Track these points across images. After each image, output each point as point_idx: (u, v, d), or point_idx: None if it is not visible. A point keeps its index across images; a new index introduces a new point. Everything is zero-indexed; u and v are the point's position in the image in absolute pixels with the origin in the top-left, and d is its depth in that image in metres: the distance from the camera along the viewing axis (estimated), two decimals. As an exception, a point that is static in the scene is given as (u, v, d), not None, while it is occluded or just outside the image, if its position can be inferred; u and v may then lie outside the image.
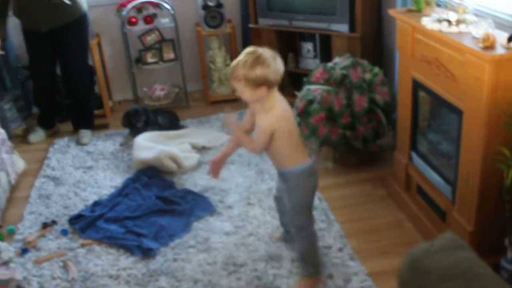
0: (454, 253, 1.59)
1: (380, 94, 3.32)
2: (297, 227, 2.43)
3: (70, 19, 3.92)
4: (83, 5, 4.02)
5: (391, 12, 2.91)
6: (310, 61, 4.32)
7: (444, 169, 2.65)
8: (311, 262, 2.47)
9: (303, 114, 3.40)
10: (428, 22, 2.50)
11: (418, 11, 2.74)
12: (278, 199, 2.64)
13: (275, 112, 2.24)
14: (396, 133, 3.17)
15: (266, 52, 2.20)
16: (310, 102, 3.38)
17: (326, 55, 4.18)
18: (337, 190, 3.26)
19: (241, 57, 2.21)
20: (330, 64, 3.52)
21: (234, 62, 2.22)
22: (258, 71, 2.14)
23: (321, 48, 4.27)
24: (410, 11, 2.81)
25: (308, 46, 4.33)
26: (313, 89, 3.40)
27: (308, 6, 4.10)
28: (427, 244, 1.64)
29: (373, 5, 3.97)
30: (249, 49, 2.23)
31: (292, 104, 3.55)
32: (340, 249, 2.69)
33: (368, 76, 3.37)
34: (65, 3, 3.81)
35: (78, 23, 3.99)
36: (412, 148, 2.92)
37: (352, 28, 3.93)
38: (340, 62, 3.49)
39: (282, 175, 2.42)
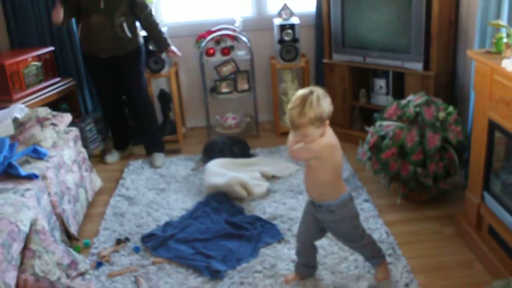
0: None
1: (453, 133, 3.31)
2: (354, 243, 2.63)
3: (127, 50, 4.16)
4: (140, 39, 4.27)
5: (470, 53, 2.92)
6: (382, 97, 4.35)
7: (518, 211, 2.61)
8: (376, 255, 2.69)
9: (374, 149, 3.43)
10: (508, 64, 2.50)
11: (497, 53, 2.74)
12: (309, 230, 2.67)
13: (325, 139, 2.38)
14: (467, 172, 3.14)
15: (317, 89, 2.34)
16: (382, 137, 3.41)
17: (398, 92, 4.21)
18: (405, 226, 3.25)
19: (297, 103, 2.30)
20: (403, 102, 3.54)
21: (293, 111, 2.30)
22: (325, 106, 2.30)
23: (393, 85, 4.29)
24: (489, 52, 2.82)
25: (380, 83, 4.36)
26: (386, 125, 3.43)
27: (383, 43, 4.15)
28: (503, 283, 1.64)
29: (449, 44, 3.97)
30: (297, 96, 2.34)
31: (363, 139, 3.61)
32: (407, 285, 2.67)
33: (442, 114, 3.36)
34: (127, 35, 4.07)
35: (135, 54, 4.22)
36: (485, 188, 2.89)
37: (426, 67, 3.95)
38: (414, 100, 3.50)
39: (325, 208, 2.51)
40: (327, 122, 2.36)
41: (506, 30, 2.70)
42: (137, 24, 4.20)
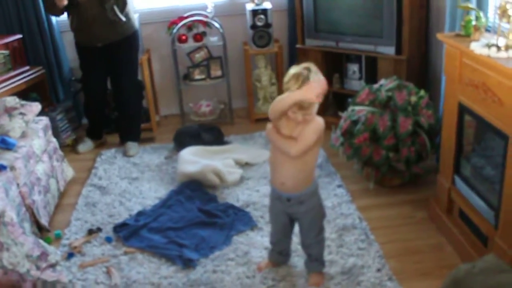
0: (497, 276, 1.59)
1: (424, 117, 3.32)
2: (317, 234, 2.59)
3: (123, 36, 4.09)
4: (135, 23, 4.19)
5: (440, 36, 2.92)
6: (355, 82, 4.35)
7: (487, 194, 2.62)
8: (321, 259, 2.66)
9: (347, 135, 3.43)
10: (476, 47, 2.50)
11: (466, 36, 2.75)
12: (281, 221, 2.62)
13: (320, 121, 2.35)
14: (439, 156, 3.16)
15: (308, 67, 2.34)
16: (355, 122, 3.41)
17: (371, 77, 4.20)
18: (377, 211, 3.26)
19: (301, 80, 2.26)
20: (375, 86, 3.54)
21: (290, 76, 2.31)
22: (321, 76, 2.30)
23: (366, 69, 4.29)
24: (458, 35, 2.81)
25: (353, 68, 4.36)
26: (358, 110, 3.43)
27: (355, 28, 4.14)
28: (469, 266, 1.64)
29: (421, 28, 3.98)
30: (294, 74, 2.31)
31: (336, 124, 3.60)
32: (379, 270, 2.68)
33: (413, 98, 3.37)
34: (120, 19, 3.97)
35: (131, 39, 4.15)
36: (456, 171, 2.90)
37: (398, 51, 3.95)
38: (386, 84, 3.51)
39: (295, 199, 2.47)
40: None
41: (475, 12, 2.71)
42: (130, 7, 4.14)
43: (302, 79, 2.26)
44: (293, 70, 2.33)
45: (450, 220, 2.94)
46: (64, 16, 4.18)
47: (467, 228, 2.79)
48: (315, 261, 2.65)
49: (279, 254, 2.75)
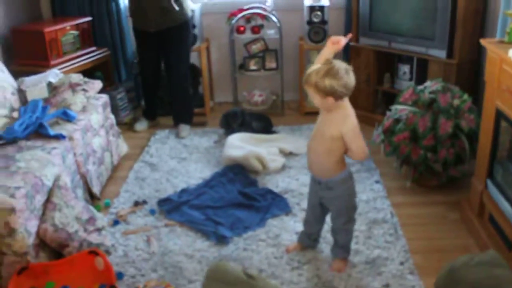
0: (491, 269, 1.67)
1: (466, 121, 3.36)
2: (345, 223, 2.68)
3: (175, 23, 4.32)
4: (188, 13, 4.41)
5: (483, 42, 2.96)
6: (406, 83, 4.40)
7: (516, 200, 2.67)
8: (346, 247, 2.77)
9: (388, 132, 3.51)
10: (513, 54, 2.55)
11: (509, 43, 2.79)
12: (314, 205, 2.76)
13: (353, 117, 2.45)
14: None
15: (339, 65, 2.36)
16: (397, 121, 3.49)
17: (421, 78, 4.24)
18: (410, 208, 3.34)
19: (317, 66, 2.40)
20: (420, 87, 3.60)
21: (310, 69, 2.41)
22: (327, 82, 2.32)
23: (417, 71, 4.33)
24: (502, 42, 2.86)
25: (404, 68, 4.41)
26: (400, 109, 3.50)
27: (409, 29, 4.19)
28: (467, 258, 1.73)
29: (474, 33, 3.98)
30: (321, 63, 2.41)
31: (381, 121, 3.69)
32: (402, 263, 2.78)
33: (456, 102, 3.42)
34: (174, 8, 4.21)
35: (182, 27, 4.37)
36: (489, 176, 2.95)
37: (449, 55, 3.98)
38: (430, 86, 3.56)
39: (324, 184, 2.60)
40: (331, 98, 2.37)
41: (519, 20, 2.74)
42: None
43: (335, 71, 2.35)
44: (316, 69, 2.39)
45: (480, 223, 2.99)
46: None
47: (495, 233, 2.84)
48: (340, 248, 2.77)
49: (308, 238, 2.89)
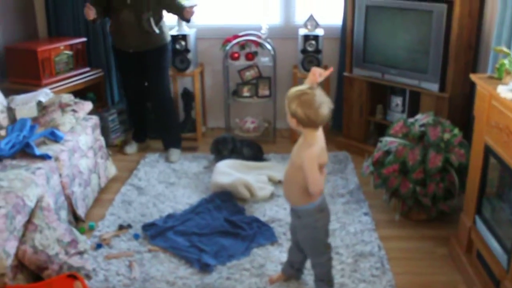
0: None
1: (456, 155, 3.34)
2: (315, 255, 2.66)
3: (155, 46, 4.32)
4: (167, 37, 4.43)
5: (473, 77, 2.96)
6: (398, 115, 4.39)
7: (504, 237, 2.63)
8: (326, 280, 2.71)
9: (378, 164, 3.49)
10: (502, 90, 2.54)
11: (499, 79, 2.78)
12: (293, 232, 2.77)
13: (315, 148, 2.41)
14: (466, 196, 3.17)
15: (315, 96, 2.34)
16: (387, 153, 3.47)
17: (413, 111, 4.24)
18: (398, 242, 3.30)
19: (302, 86, 2.42)
20: (410, 120, 3.59)
21: (297, 87, 2.44)
22: (293, 105, 2.35)
23: (409, 103, 4.33)
24: (491, 78, 2.85)
25: (397, 100, 4.41)
26: (390, 141, 3.49)
27: (402, 61, 4.20)
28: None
29: (467, 68, 3.99)
30: (307, 86, 2.42)
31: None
32: (387, 298, 2.73)
33: (447, 136, 3.40)
34: (154, 30, 4.22)
35: (161, 50, 4.38)
36: (477, 212, 2.92)
37: (442, 88, 3.98)
38: (421, 119, 3.55)
39: (295, 212, 2.61)
40: (295, 120, 2.38)
41: (508, 57, 2.74)
42: (165, 22, 4.37)
43: (305, 98, 2.35)
44: (296, 89, 2.41)
45: (468, 260, 2.95)
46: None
47: (482, 269, 2.80)
48: (320, 281, 2.72)
49: (291, 267, 2.85)
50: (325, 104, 2.36)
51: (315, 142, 2.44)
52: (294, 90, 2.40)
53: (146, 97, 4.66)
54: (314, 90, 2.37)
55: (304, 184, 2.45)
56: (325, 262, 2.67)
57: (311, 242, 2.63)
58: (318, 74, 2.51)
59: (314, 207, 2.54)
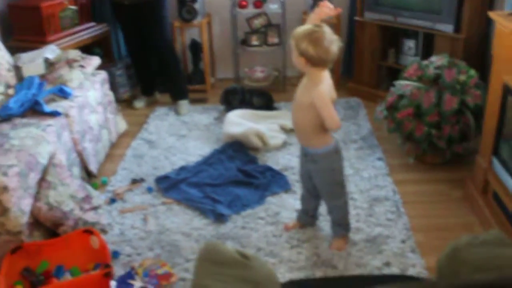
0: (495, 249, 1.60)
1: (472, 97, 3.27)
2: (332, 198, 2.64)
3: None
4: None
5: (492, 14, 2.85)
6: (410, 58, 4.29)
7: (522, 177, 2.59)
8: (343, 224, 2.71)
9: (391, 108, 3.43)
10: (523, 26, 2.45)
11: (519, 16, 2.68)
12: (305, 178, 2.73)
13: (323, 86, 2.37)
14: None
15: (325, 33, 2.29)
16: (401, 97, 3.40)
17: (427, 54, 4.13)
18: (413, 186, 3.27)
19: (308, 26, 2.34)
20: (425, 62, 3.50)
21: (301, 27, 2.36)
22: (304, 44, 2.28)
23: (423, 46, 4.22)
24: (511, 15, 2.75)
25: (410, 44, 4.30)
26: (404, 85, 3.41)
27: (415, 3, 4.08)
28: (471, 237, 1.66)
29: (483, 7, 3.86)
30: (314, 24, 2.35)
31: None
32: (403, 241, 2.72)
33: (462, 77, 3.32)
34: None
35: (157, 1, 4.25)
36: (494, 153, 2.87)
37: (457, 29, 3.86)
38: (436, 61, 3.46)
39: (310, 156, 2.55)
40: (303, 59, 2.32)
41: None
42: None
43: (315, 36, 2.28)
44: (304, 28, 2.34)
45: (484, 201, 2.92)
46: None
47: (499, 210, 2.77)
48: (337, 226, 2.71)
49: (306, 215, 2.84)
50: (335, 42, 2.32)
51: (322, 80, 2.39)
52: (302, 28, 2.33)
53: (149, 50, 4.58)
54: (323, 28, 2.31)
55: (317, 123, 2.41)
56: (342, 204, 2.66)
57: (330, 185, 2.60)
58: (327, 7, 2.44)
59: (330, 149, 2.51)
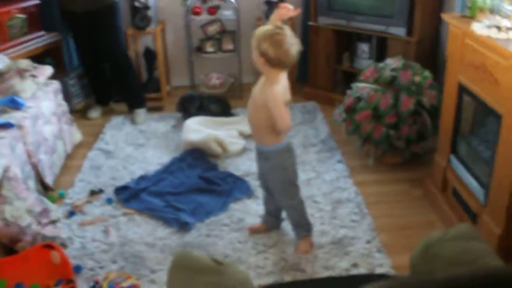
0: (466, 243, 1.62)
1: (427, 97, 3.33)
2: (285, 198, 2.63)
3: (103, 4, 4.14)
4: None
5: (445, 17, 2.93)
6: (365, 61, 4.35)
7: (480, 173, 2.65)
8: (303, 225, 2.69)
9: (350, 111, 3.46)
10: (478, 28, 2.51)
11: (471, 18, 2.75)
12: (262, 178, 2.74)
13: (278, 87, 2.38)
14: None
15: (286, 36, 2.31)
16: (358, 99, 3.44)
17: (381, 57, 4.21)
18: (374, 187, 3.31)
19: (267, 26, 2.36)
20: (381, 64, 3.56)
21: (263, 27, 2.37)
22: (264, 45, 2.29)
23: (376, 49, 4.30)
24: (464, 17, 2.82)
25: (363, 47, 4.37)
26: (361, 87, 3.45)
27: (368, 7, 4.14)
28: (442, 233, 1.68)
29: (434, 10, 3.96)
30: (275, 25, 2.36)
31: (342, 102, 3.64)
32: (368, 241, 2.74)
33: (417, 79, 3.38)
34: None
35: (110, 9, 4.19)
36: (452, 151, 2.93)
37: (409, 32, 3.94)
38: (391, 63, 3.52)
39: (263, 154, 2.57)
40: (263, 60, 2.32)
41: (479, -6, 2.71)
42: None
43: (277, 39, 2.30)
44: (266, 29, 2.35)
45: (443, 198, 2.98)
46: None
47: (458, 206, 2.83)
48: (298, 227, 2.70)
49: (269, 215, 2.83)
50: (295, 45, 2.34)
51: (278, 81, 2.40)
52: (265, 29, 2.34)
53: (103, 59, 4.49)
54: (285, 30, 2.33)
55: (270, 122, 2.42)
56: (296, 204, 2.65)
57: (281, 183, 2.60)
58: (287, 8, 2.44)
59: (281, 147, 2.52)
